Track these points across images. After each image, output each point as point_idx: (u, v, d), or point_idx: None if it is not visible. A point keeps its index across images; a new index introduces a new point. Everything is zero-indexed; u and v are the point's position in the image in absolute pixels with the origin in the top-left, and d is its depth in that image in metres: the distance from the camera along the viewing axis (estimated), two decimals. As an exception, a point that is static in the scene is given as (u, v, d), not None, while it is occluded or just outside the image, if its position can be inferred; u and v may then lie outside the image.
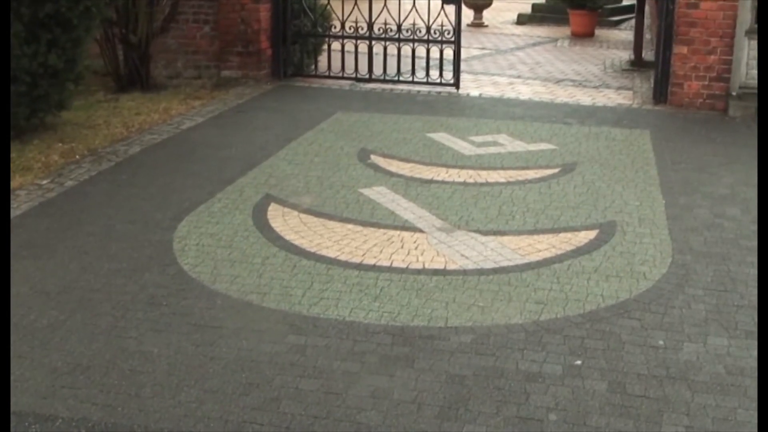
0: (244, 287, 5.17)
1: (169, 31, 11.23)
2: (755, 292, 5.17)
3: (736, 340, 4.60)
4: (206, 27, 11.53)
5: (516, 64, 13.79)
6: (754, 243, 5.97)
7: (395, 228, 6.21)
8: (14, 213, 6.39)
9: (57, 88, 8.30)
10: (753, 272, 5.48)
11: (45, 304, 4.90)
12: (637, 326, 4.73)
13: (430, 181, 7.35)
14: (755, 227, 6.30)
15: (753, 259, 5.71)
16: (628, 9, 19.16)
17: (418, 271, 5.44)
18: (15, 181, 7.04)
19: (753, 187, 7.26)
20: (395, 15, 11.28)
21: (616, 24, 19.38)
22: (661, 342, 4.56)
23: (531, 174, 7.62)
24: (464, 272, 5.43)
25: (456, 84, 11.26)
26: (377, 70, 11.50)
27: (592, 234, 6.17)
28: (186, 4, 11.38)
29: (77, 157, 7.96)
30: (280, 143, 8.48)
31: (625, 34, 17.68)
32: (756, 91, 9.79)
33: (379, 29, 11.44)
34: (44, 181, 7.20)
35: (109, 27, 10.42)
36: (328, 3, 11.86)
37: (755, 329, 4.70)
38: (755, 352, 4.43)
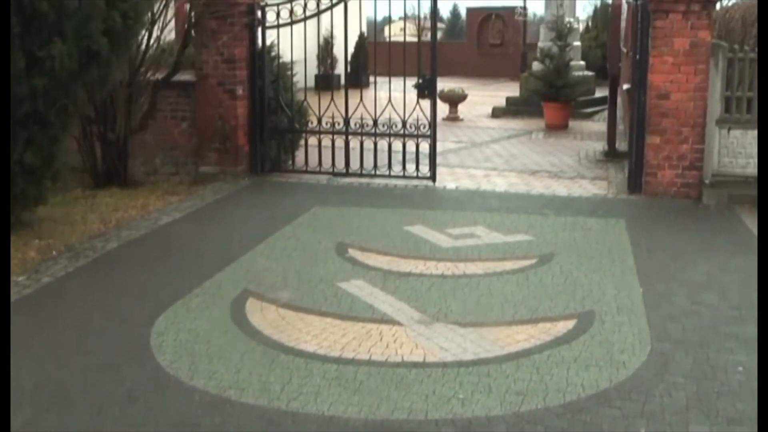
0: (222, 383, 5.12)
1: (148, 127, 11.31)
2: (735, 378, 5.16)
3: (718, 427, 4.57)
4: (184, 123, 11.65)
5: (492, 156, 13.94)
6: (733, 329, 5.99)
7: (374, 321, 6.19)
8: (-11, 311, 6.32)
9: (34, 186, 8.31)
10: (732, 358, 5.48)
11: (19, 401, 4.81)
12: (618, 415, 4.69)
13: (408, 274, 7.35)
14: (733, 313, 6.33)
15: (732, 345, 5.71)
16: (601, 101, 19.49)
17: (398, 364, 5.40)
18: (-9, 280, 6.99)
19: (729, 273, 7.31)
20: (371, 109, 11.42)
21: (589, 116, 19.70)
22: (642, 431, 4.53)
23: (508, 265, 7.64)
24: (444, 364, 5.40)
25: (432, 177, 11.35)
26: (354, 165, 11.59)
27: (570, 323, 6.16)
28: (164, 101, 11.49)
29: (54, 253, 7.92)
30: (257, 238, 8.48)
31: (598, 125, 17.94)
32: (728, 179, 9.94)
33: (355, 124, 11.57)
34: (20, 278, 7.15)
35: (87, 124, 10.49)
36: (305, 99, 12.01)
37: (737, 416, 4.68)
38: (737, 440, 4.40)
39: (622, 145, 13.40)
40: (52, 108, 8.07)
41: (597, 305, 6.54)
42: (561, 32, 18.61)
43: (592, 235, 8.72)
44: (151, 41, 10.74)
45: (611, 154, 13.51)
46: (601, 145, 14.53)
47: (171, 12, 11.11)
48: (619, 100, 14.34)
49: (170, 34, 11.41)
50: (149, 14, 10.09)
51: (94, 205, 9.86)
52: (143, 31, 10.14)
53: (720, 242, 8.38)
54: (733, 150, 10.03)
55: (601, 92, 19.98)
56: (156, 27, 10.69)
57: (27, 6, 7.53)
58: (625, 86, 13.03)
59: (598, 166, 12.92)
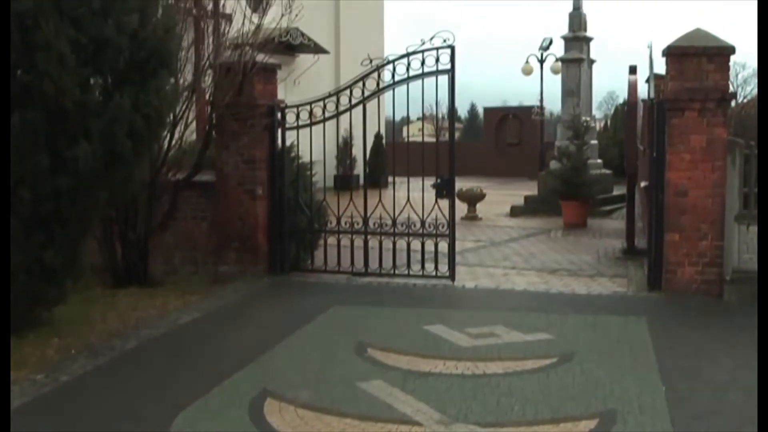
0: (239, 485, 5.05)
1: (168, 227, 11.39)
2: (762, 480, 5.06)
3: None
4: (204, 223, 11.73)
5: (511, 255, 13.94)
6: (758, 429, 5.88)
7: (393, 422, 6.12)
8: (7, 412, 6.30)
9: (54, 285, 8.34)
10: (759, 460, 5.37)
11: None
12: None
13: (428, 374, 7.29)
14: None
15: (758, 446, 5.60)
16: (619, 198, 19.53)
17: (418, 465, 5.32)
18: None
19: (754, 372, 7.20)
20: (390, 209, 11.48)
21: (608, 213, 19.74)
22: None
23: (529, 364, 7.57)
24: (464, 465, 5.32)
25: (451, 276, 11.34)
26: (373, 264, 11.61)
27: (592, 423, 6.07)
28: (185, 201, 11.60)
29: (73, 352, 7.91)
30: (276, 338, 8.45)
31: (617, 223, 17.94)
32: (749, 275, 9.87)
33: (374, 224, 11.63)
34: (39, 376, 7.13)
35: (108, 223, 10.58)
36: (324, 199, 12.10)
37: None
38: None
39: (641, 242, 13.39)
40: (74, 208, 8.16)
41: (619, 404, 6.46)
42: (578, 131, 18.77)
43: (612, 333, 8.65)
44: (173, 142, 10.90)
45: (630, 252, 13.49)
46: (620, 243, 14.51)
47: (192, 114, 11.29)
48: (637, 197, 14.38)
49: (192, 135, 11.58)
50: (171, 116, 10.26)
51: (113, 304, 9.88)
52: (166, 133, 10.31)
53: (743, 340, 8.27)
54: (753, 246, 9.98)
55: (619, 190, 20.03)
56: (178, 128, 10.87)
57: (51, 102, 7.67)
58: (643, 184, 13.07)
59: (618, 264, 12.89)
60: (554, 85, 26.97)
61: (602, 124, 37.69)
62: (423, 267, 11.45)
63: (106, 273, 10.98)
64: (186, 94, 10.78)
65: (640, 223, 15.01)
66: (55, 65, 7.54)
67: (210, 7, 12.21)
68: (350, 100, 11.62)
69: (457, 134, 16.94)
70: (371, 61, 11.41)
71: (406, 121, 12.98)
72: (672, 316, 9.41)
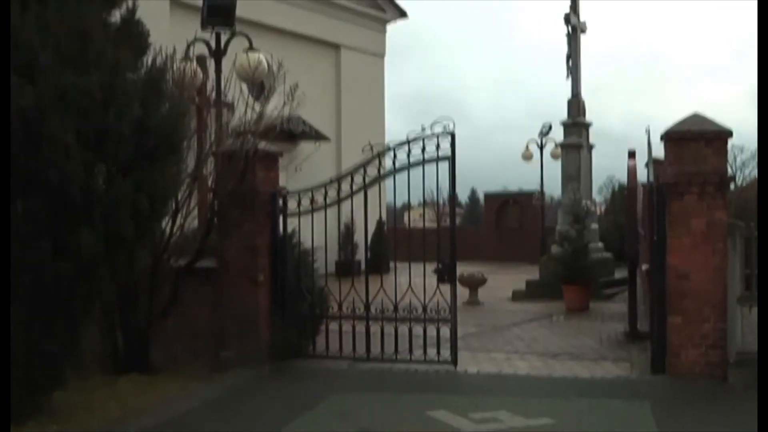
0: None
1: (170, 315, 11.37)
2: None
3: None
4: (205, 309, 11.70)
5: (513, 340, 13.88)
6: None
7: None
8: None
9: (53, 372, 8.31)
10: None
11: None
12: None
13: (431, 459, 7.22)
14: (765, 498, 6.14)
15: None
16: (621, 282, 19.51)
17: None
18: (7, 469, 6.91)
19: (759, 456, 7.13)
20: (392, 294, 11.48)
21: (609, 297, 19.68)
22: None
23: (533, 449, 7.50)
24: None
25: (454, 361, 11.28)
26: (375, 350, 11.56)
27: None
28: (186, 287, 11.58)
29: (72, 440, 7.85)
30: (278, 426, 8.39)
31: (619, 306, 17.87)
32: (753, 357, 9.81)
33: (376, 309, 11.61)
34: (37, 467, 7.06)
35: (109, 309, 10.57)
36: (326, 285, 12.10)
37: None
38: None
39: (643, 325, 13.33)
40: (75, 293, 8.17)
41: (625, 490, 6.38)
42: (578, 215, 18.86)
43: (616, 418, 8.58)
44: (175, 229, 10.96)
45: (633, 335, 13.43)
46: (622, 326, 14.45)
47: (194, 200, 11.37)
48: (638, 280, 14.38)
49: (194, 222, 11.64)
50: (174, 202, 10.34)
51: (114, 390, 9.80)
52: (168, 219, 10.37)
53: (749, 423, 8.19)
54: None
55: (620, 273, 20.02)
56: (180, 215, 10.93)
57: (55, 189, 7.74)
58: (645, 267, 13.09)
59: (621, 348, 12.83)
60: (554, 169, 27.18)
61: (603, 208, 37.83)
62: (425, 352, 11.40)
63: (107, 359, 10.93)
64: (188, 181, 10.87)
65: (643, 307, 14.98)
66: (60, 155, 7.64)
67: (212, 95, 12.38)
68: (351, 187, 11.70)
69: (458, 220, 17.01)
70: (372, 148, 11.53)
71: (407, 207, 13.06)
72: (676, 400, 9.34)
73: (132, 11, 9.29)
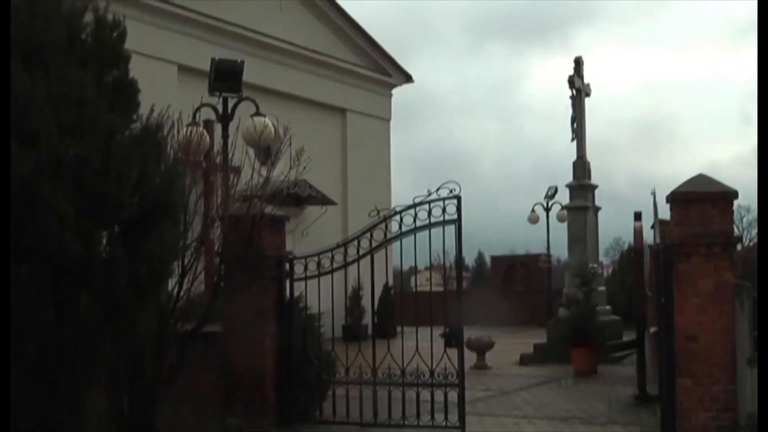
0: None
1: (176, 379, 11.30)
2: None
3: None
4: (211, 374, 11.63)
5: (521, 404, 13.77)
6: None
7: None
8: None
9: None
10: None
11: None
12: None
13: None
14: None
15: None
16: (629, 344, 19.39)
17: None
18: None
19: None
20: (399, 359, 11.41)
21: (618, 360, 19.56)
22: None
23: None
24: None
25: (462, 427, 11.17)
26: (382, 415, 11.46)
27: None
28: (192, 351, 11.52)
29: None
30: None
31: (627, 369, 17.75)
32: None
33: (383, 374, 11.53)
34: None
35: (115, 374, 10.50)
36: (333, 349, 12.04)
37: None
38: None
39: (653, 388, 13.23)
40: (78, 359, 8.12)
41: None
42: (585, 278, 18.82)
43: (627, 482, 8.48)
44: (182, 293, 10.93)
45: (642, 398, 13.33)
46: (631, 389, 14.35)
47: (201, 265, 11.36)
48: (647, 343, 14.30)
49: (200, 286, 11.62)
50: (180, 266, 10.33)
51: (119, 459, 9.72)
52: (175, 283, 10.36)
53: (761, 488, 8.09)
54: (767, 390, 9.88)
55: (628, 336, 19.91)
56: (186, 279, 10.91)
57: (54, 256, 7.73)
58: (653, 329, 13.02)
59: (630, 411, 12.72)
60: (561, 231, 27.12)
61: (610, 270, 37.75)
62: (432, 417, 11.30)
63: (113, 423, 10.83)
64: (194, 245, 10.87)
65: (651, 369, 14.88)
66: (55, 224, 7.61)
67: (219, 160, 12.46)
68: (358, 251, 11.72)
69: (464, 283, 16.99)
70: (378, 212, 11.56)
71: (414, 270, 13.05)
72: (688, 464, 9.23)
73: (125, 71, 8.96)
